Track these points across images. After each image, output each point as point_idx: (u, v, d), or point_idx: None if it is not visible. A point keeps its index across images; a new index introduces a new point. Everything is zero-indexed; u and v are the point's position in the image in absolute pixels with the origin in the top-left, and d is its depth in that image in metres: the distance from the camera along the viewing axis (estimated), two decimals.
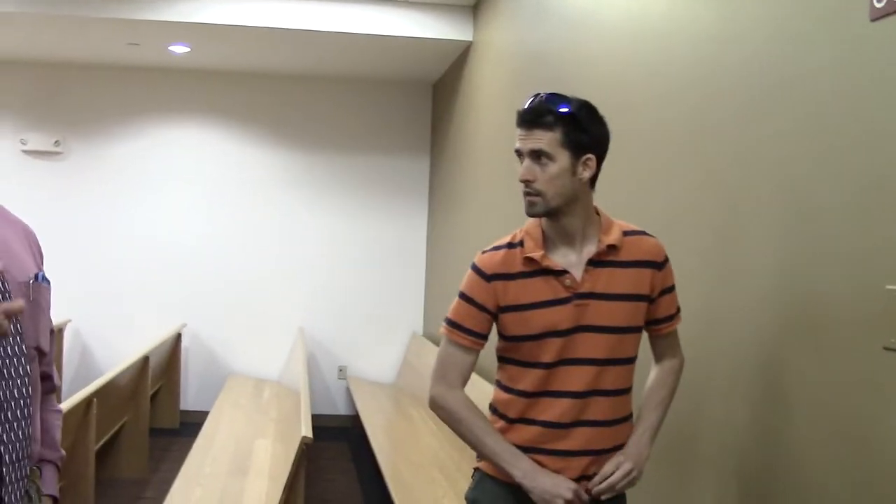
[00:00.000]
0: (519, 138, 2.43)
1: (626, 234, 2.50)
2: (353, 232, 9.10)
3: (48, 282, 2.05)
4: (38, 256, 2.10)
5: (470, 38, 7.34)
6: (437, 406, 2.55)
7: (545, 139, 2.38)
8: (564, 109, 2.38)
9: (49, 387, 2.13)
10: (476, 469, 2.61)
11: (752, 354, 2.78)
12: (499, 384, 2.57)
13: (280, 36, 7.33)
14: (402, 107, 9.18)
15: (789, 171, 2.61)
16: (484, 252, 2.54)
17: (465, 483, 4.82)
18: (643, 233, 2.54)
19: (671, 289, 2.56)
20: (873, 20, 2.24)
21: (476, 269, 2.51)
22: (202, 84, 8.95)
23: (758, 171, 2.79)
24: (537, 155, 2.39)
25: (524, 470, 2.43)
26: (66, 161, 8.83)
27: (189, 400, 8.96)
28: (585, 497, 2.43)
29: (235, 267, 8.98)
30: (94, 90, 8.86)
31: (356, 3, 7.13)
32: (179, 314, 8.88)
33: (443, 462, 5.64)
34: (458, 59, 7.85)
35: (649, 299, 2.50)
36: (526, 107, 2.42)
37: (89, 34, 7.57)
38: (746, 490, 2.82)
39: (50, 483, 2.08)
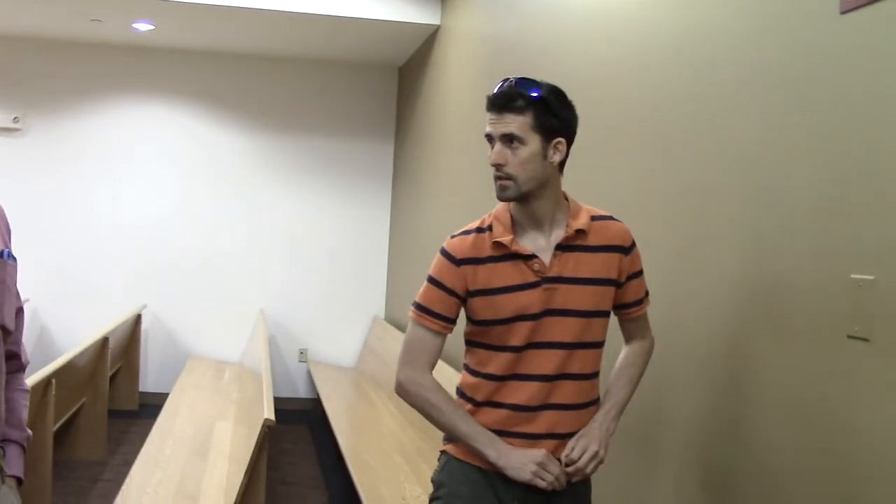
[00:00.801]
0: (490, 122, 2.42)
1: (593, 218, 2.50)
2: (316, 215, 9.07)
3: (14, 259, 2.02)
4: (6, 233, 2.07)
5: (437, 22, 7.32)
6: (404, 391, 2.54)
7: (516, 123, 2.38)
8: (535, 93, 2.38)
9: (16, 366, 2.10)
10: (442, 452, 2.61)
11: (717, 342, 2.80)
12: (466, 368, 2.57)
13: (245, 16, 7.27)
14: (367, 90, 9.15)
15: (757, 160, 2.62)
16: (453, 237, 2.54)
17: (426, 466, 4.84)
18: (611, 218, 2.55)
19: (639, 273, 2.57)
20: (843, 13, 2.25)
21: (445, 253, 2.51)
22: (166, 63, 8.87)
23: (725, 160, 2.80)
24: (509, 139, 2.39)
25: (498, 451, 2.44)
26: (25, 138, 8.71)
27: (149, 381, 8.90)
28: (556, 463, 2.43)
29: (197, 248, 8.93)
30: (55, 66, 8.75)
31: None
32: (139, 295, 8.81)
33: (404, 446, 5.64)
34: (426, 43, 7.83)
35: (617, 284, 2.51)
36: (496, 91, 2.42)
37: (51, 9, 7.47)
38: (708, 475, 2.84)
39: (15, 464, 2.05)
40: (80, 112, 8.79)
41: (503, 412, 2.47)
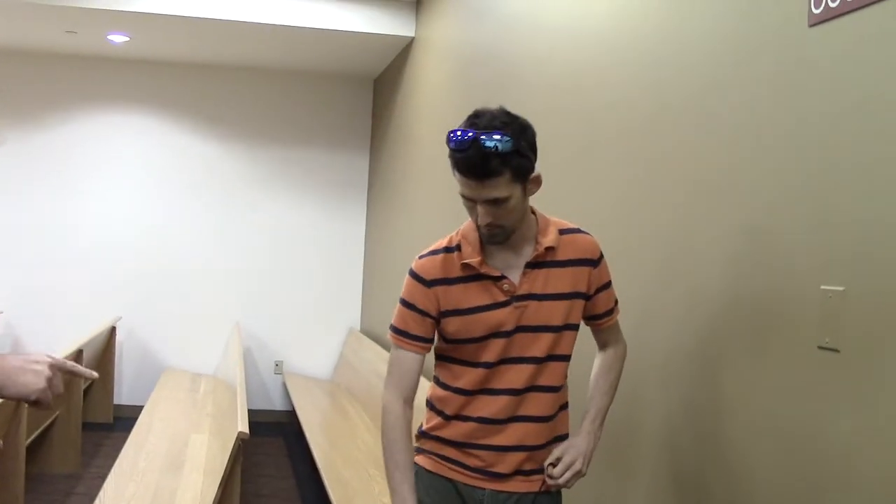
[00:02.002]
0: (468, 187, 2.32)
1: (561, 232, 2.50)
2: (291, 226, 9.06)
3: None
4: None
5: (412, 34, 7.34)
6: (389, 415, 2.51)
7: (499, 186, 2.29)
8: (508, 147, 2.25)
9: None
10: (413, 463, 2.61)
11: (691, 352, 2.82)
12: (437, 381, 2.58)
13: (220, 27, 7.26)
14: (342, 101, 9.15)
15: (730, 171, 2.64)
16: (421, 257, 2.52)
17: None
18: (578, 230, 2.54)
19: (607, 285, 2.57)
20: (811, 26, 2.28)
21: (415, 275, 2.50)
22: (141, 74, 8.84)
23: (701, 172, 2.82)
24: (494, 201, 2.32)
25: None
26: None
27: (123, 394, 8.85)
28: None
29: (172, 260, 8.90)
30: (30, 78, 8.71)
31: None
32: (114, 307, 8.76)
33: (379, 458, 5.59)
34: (400, 55, 7.84)
35: (586, 297, 2.52)
36: (467, 157, 2.27)
37: (25, 20, 7.44)
38: (680, 484, 2.85)
39: None
40: (55, 124, 8.75)
41: (471, 425, 2.49)
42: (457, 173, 2.33)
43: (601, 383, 2.62)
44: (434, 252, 2.51)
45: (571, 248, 2.49)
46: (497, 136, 2.25)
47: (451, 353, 2.52)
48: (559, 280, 2.46)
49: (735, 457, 2.54)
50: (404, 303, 2.51)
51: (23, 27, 7.68)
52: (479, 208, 2.34)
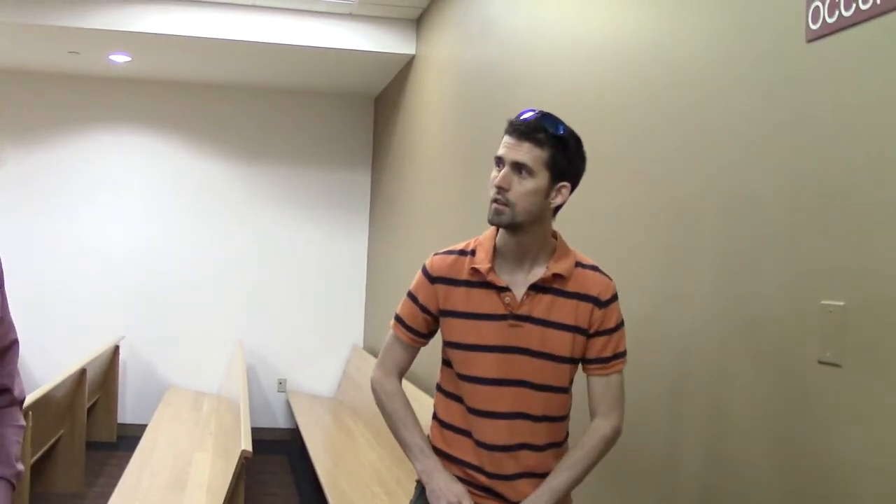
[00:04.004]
0: (505, 145, 2.41)
1: (578, 265, 2.49)
2: (294, 244, 9.07)
3: (4, 293, 2.01)
4: None
5: (413, 52, 7.36)
6: (373, 388, 2.64)
7: (532, 154, 2.37)
8: (558, 132, 2.38)
9: (7, 400, 2.08)
10: (418, 481, 2.61)
11: (692, 367, 2.82)
12: (438, 387, 2.61)
13: (221, 47, 7.29)
14: (343, 119, 9.17)
15: (732, 186, 2.66)
16: (436, 254, 2.57)
17: (404, 495, 4.83)
18: (596, 269, 2.51)
19: (610, 331, 2.48)
20: (809, 41, 2.30)
21: (424, 269, 2.57)
22: (143, 94, 8.87)
23: (703, 187, 2.83)
24: (519, 167, 2.38)
25: (426, 467, 2.50)
26: (2, 169, 8.68)
27: (127, 413, 8.84)
28: None
29: (175, 278, 8.90)
30: (32, 98, 8.74)
31: (298, 15, 7.12)
32: (117, 326, 8.77)
33: (382, 476, 5.63)
34: (401, 73, 7.86)
35: (587, 334, 2.46)
36: (521, 118, 2.41)
37: (28, 41, 7.47)
38: (683, 499, 2.85)
39: (2, 500, 2.04)
40: (57, 143, 8.77)
41: (475, 449, 2.48)
42: (504, 136, 2.43)
43: (566, 459, 2.49)
44: (449, 252, 2.56)
45: (582, 282, 2.46)
46: (557, 125, 2.40)
47: (450, 358, 2.54)
48: (562, 310, 2.44)
49: (737, 472, 2.54)
50: (409, 293, 2.60)
51: (25, 48, 7.71)
52: (502, 170, 2.40)
